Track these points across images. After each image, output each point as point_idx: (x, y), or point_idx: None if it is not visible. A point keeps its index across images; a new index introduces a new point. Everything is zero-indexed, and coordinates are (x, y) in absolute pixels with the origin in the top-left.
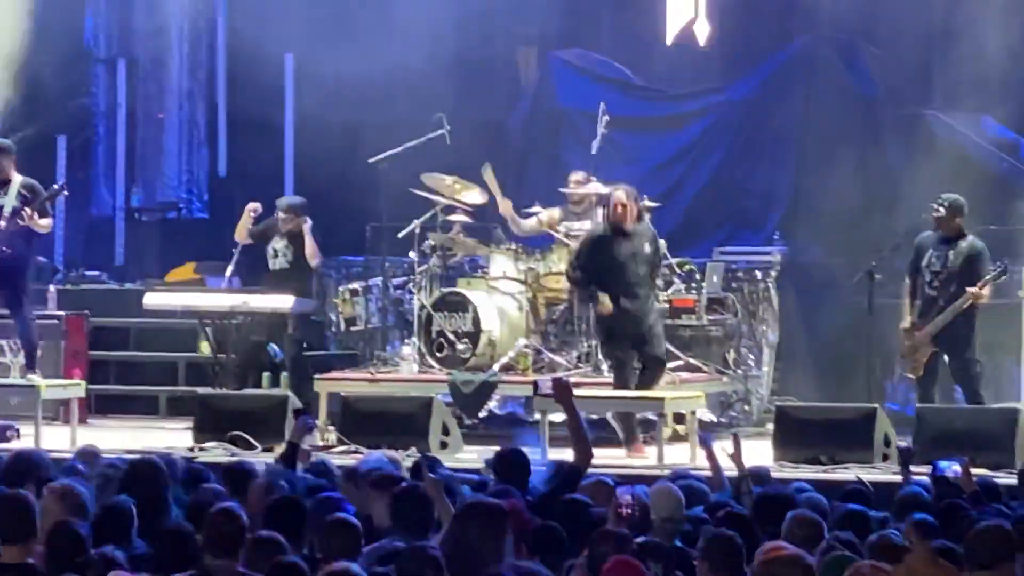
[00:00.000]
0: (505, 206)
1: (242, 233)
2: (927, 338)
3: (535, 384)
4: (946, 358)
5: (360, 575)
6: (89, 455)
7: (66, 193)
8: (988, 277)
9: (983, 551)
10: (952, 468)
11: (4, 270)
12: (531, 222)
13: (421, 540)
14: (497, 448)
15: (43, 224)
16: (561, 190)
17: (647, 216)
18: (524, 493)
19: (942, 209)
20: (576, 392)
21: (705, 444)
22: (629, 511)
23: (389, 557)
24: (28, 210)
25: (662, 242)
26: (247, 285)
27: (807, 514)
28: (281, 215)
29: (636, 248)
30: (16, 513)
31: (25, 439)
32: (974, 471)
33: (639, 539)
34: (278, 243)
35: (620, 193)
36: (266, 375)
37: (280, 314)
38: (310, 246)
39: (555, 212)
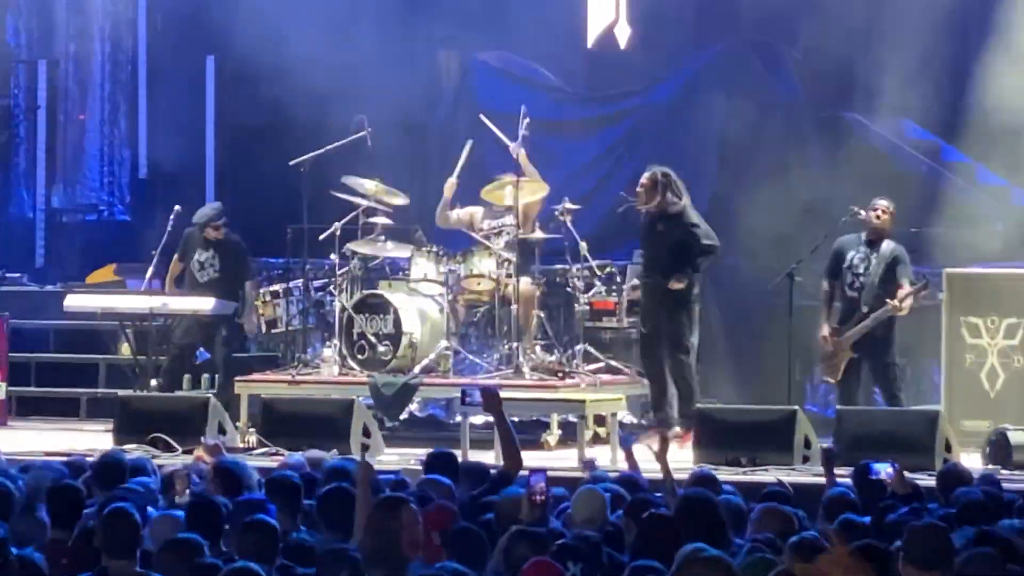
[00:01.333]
0: (449, 185)
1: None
2: (847, 344)
3: (463, 392)
4: (865, 362)
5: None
6: None
7: None
8: (910, 290)
9: (924, 551)
10: (886, 471)
11: None
12: (456, 214)
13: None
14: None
15: None
16: (483, 194)
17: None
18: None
19: (885, 215)
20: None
21: (625, 446)
22: (542, 497)
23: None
24: None
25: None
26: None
27: (778, 507)
28: (210, 230)
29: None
30: None
31: None
32: None
33: (560, 540)
34: (202, 255)
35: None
36: (187, 377)
37: (210, 317)
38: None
39: (476, 211)
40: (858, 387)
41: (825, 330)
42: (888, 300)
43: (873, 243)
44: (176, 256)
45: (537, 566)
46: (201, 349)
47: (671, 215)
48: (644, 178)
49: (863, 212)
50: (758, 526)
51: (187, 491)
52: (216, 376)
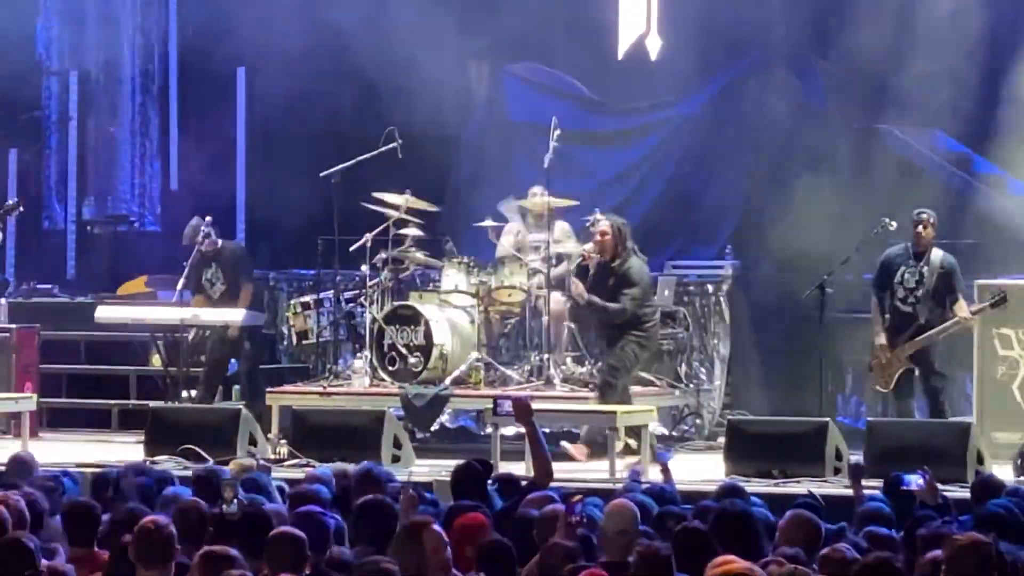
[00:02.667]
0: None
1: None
2: (904, 355)
3: (495, 403)
4: (917, 373)
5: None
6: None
7: (21, 210)
8: (983, 305)
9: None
10: (916, 482)
11: None
12: (509, 239)
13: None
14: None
15: None
16: (520, 203)
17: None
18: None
19: (930, 228)
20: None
21: (661, 460)
22: (579, 519)
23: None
24: None
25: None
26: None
27: (805, 514)
28: (202, 245)
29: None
30: None
31: None
32: None
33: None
34: (207, 272)
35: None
36: (235, 388)
37: (235, 328)
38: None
39: (520, 228)
40: (911, 398)
41: (882, 339)
42: (956, 313)
43: (920, 255)
44: (183, 283)
45: None
46: (233, 360)
47: (622, 273)
48: (605, 226)
49: (894, 224)
50: (785, 535)
51: (234, 500)
52: (244, 387)
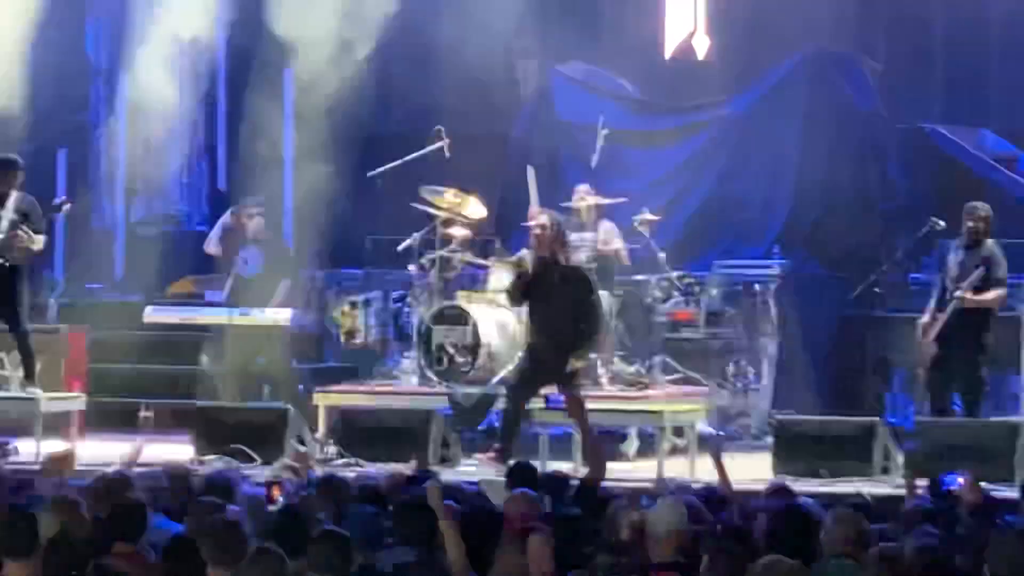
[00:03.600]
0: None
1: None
2: (931, 335)
3: (547, 399)
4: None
5: None
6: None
7: (68, 206)
8: (971, 278)
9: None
10: (958, 481)
11: (1, 283)
12: None
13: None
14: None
15: (38, 240)
16: (564, 204)
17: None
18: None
19: (979, 222)
20: None
21: (713, 448)
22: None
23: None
24: (24, 230)
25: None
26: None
27: (849, 512)
28: (246, 220)
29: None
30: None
31: (24, 453)
32: None
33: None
34: (245, 252)
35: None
36: (266, 388)
37: (277, 327)
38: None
39: None
40: (943, 382)
41: (924, 318)
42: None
43: (970, 247)
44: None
45: None
46: (260, 358)
47: (568, 268)
48: (544, 220)
49: (942, 223)
50: (830, 534)
51: (279, 499)
52: (274, 386)
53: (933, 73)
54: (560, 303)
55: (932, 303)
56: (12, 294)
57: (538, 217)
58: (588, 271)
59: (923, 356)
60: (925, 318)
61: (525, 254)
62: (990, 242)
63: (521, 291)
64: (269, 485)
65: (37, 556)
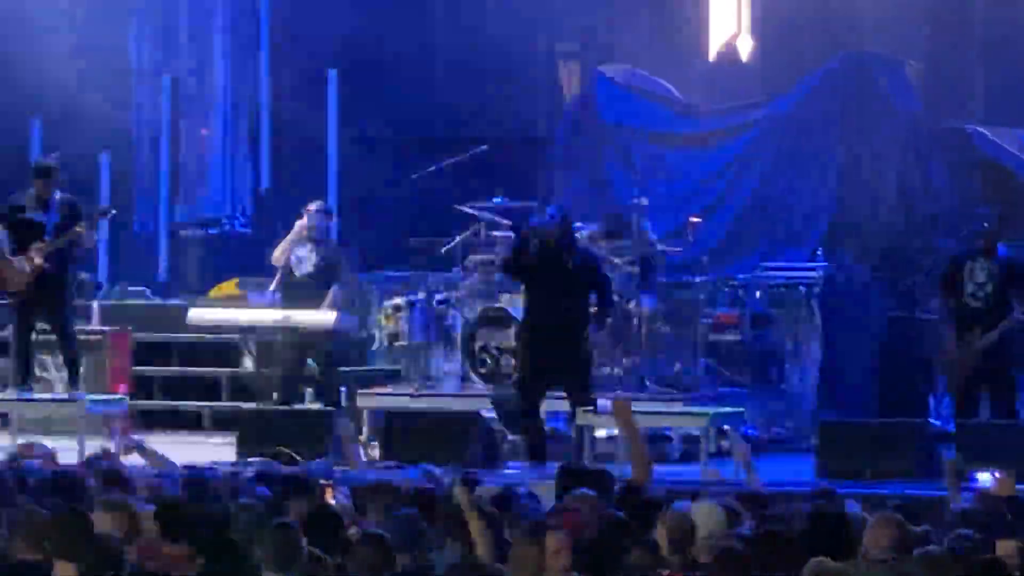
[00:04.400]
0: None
1: (281, 258)
2: (975, 352)
3: (595, 405)
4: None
5: None
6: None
7: (113, 212)
8: None
9: None
10: (987, 479)
11: (46, 286)
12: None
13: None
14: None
15: (90, 237)
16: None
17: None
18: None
19: (994, 224)
20: None
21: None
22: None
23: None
24: (82, 226)
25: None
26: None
27: (891, 515)
28: (309, 222)
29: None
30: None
31: (68, 455)
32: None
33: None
34: (301, 249)
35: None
36: (309, 390)
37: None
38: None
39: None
40: (980, 397)
41: (951, 340)
42: (1017, 310)
43: (988, 252)
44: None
45: None
46: (304, 360)
47: (577, 250)
48: (553, 209)
49: (985, 224)
50: (871, 537)
51: (333, 500)
52: (321, 388)
53: (975, 73)
54: (566, 285)
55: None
56: (58, 297)
57: (548, 208)
58: (597, 251)
59: (960, 376)
60: (952, 340)
61: (530, 231)
62: (1006, 248)
63: (521, 265)
64: (321, 487)
65: (87, 556)
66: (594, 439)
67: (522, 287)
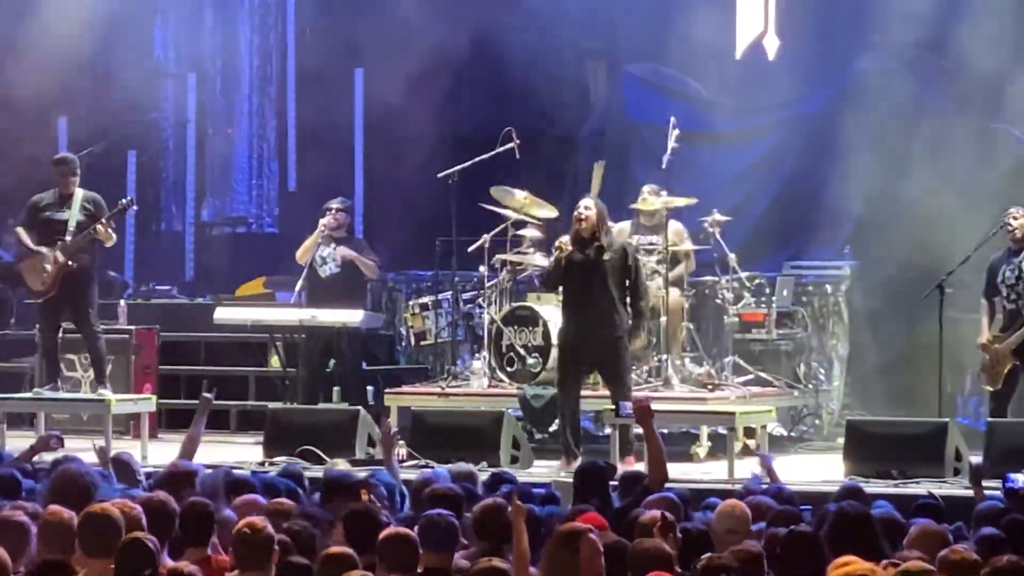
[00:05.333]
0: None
1: (306, 256)
2: (1007, 350)
3: (617, 406)
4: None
5: None
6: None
7: (135, 208)
8: None
9: None
10: (1022, 479)
11: (70, 284)
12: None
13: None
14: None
15: (111, 235)
16: (632, 206)
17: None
18: (606, 506)
19: (1021, 218)
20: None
21: (765, 463)
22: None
23: None
24: (102, 224)
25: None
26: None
27: (932, 525)
28: (330, 220)
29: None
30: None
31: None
32: None
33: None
34: (324, 250)
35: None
36: (336, 390)
37: (346, 328)
38: (365, 264)
39: (625, 226)
40: (1011, 395)
41: (984, 337)
42: None
43: (1017, 251)
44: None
45: None
46: (330, 360)
47: (614, 248)
48: (589, 203)
49: (1012, 222)
50: (913, 543)
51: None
52: (347, 387)
53: (1004, 72)
54: (603, 282)
55: (988, 322)
56: (82, 296)
57: (584, 200)
58: (636, 251)
59: (994, 374)
60: (985, 337)
61: (565, 240)
62: None
63: (559, 275)
64: (359, 487)
65: (114, 555)
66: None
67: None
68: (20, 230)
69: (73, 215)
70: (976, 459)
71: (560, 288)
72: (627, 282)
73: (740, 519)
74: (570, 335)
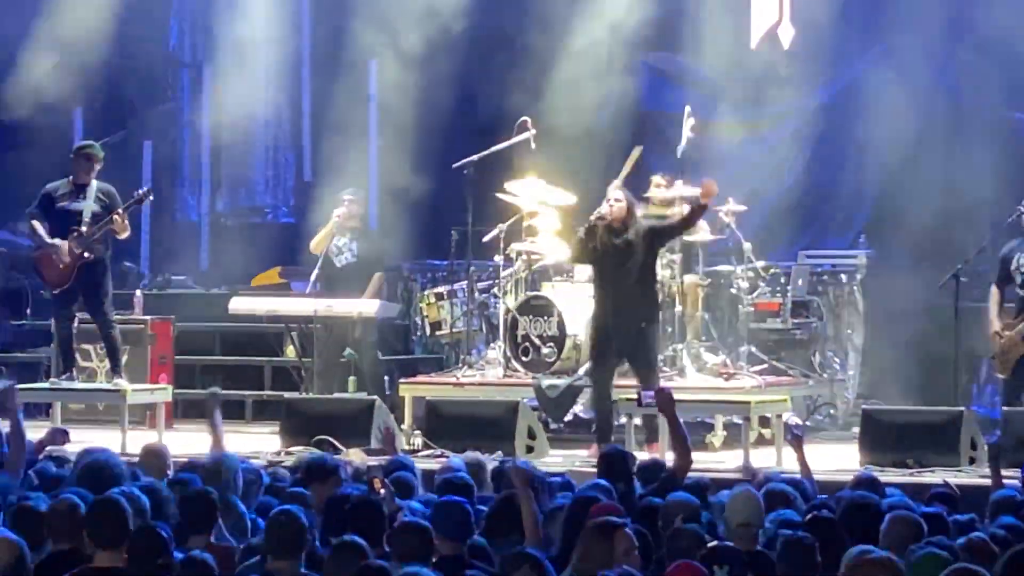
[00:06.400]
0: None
1: (321, 246)
2: (1018, 337)
3: (640, 395)
4: None
5: None
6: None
7: (150, 199)
8: None
9: None
10: None
11: (86, 275)
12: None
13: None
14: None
15: (126, 227)
16: (645, 195)
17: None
18: (630, 492)
19: None
20: None
21: (796, 439)
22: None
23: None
24: (120, 215)
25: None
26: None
27: (906, 515)
28: (343, 210)
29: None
30: (110, 518)
31: (112, 444)
32: None
33: (710, 543)
34: (339, 240)
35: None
36: (352, 379)
37: (362, 317)
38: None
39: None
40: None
41: (996, 326)
42: None
43: None
44: (321, 233)
45: (681, 568)
46: (346, 349)
47: (641, 232)
48: (620, 194)
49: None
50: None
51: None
52: (363, 377)
53: (1021, 62)
54: (631, 271)
55: (996, 310)
56: (97, 287)
57: (615, 192)
58: (650, 227)
59: (1006, 361)
60: (997, 325)
61: (604, 211)
62: None
63: (588, 252)
64: (371, 478)
65: (125, 545)
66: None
67: (592, 272)
68: (35, 222)
69: (88, 206)
70: (994, 439)
71: (590, 267)
72: (652, 260)
73: (753, 510)
74: (600, 321)
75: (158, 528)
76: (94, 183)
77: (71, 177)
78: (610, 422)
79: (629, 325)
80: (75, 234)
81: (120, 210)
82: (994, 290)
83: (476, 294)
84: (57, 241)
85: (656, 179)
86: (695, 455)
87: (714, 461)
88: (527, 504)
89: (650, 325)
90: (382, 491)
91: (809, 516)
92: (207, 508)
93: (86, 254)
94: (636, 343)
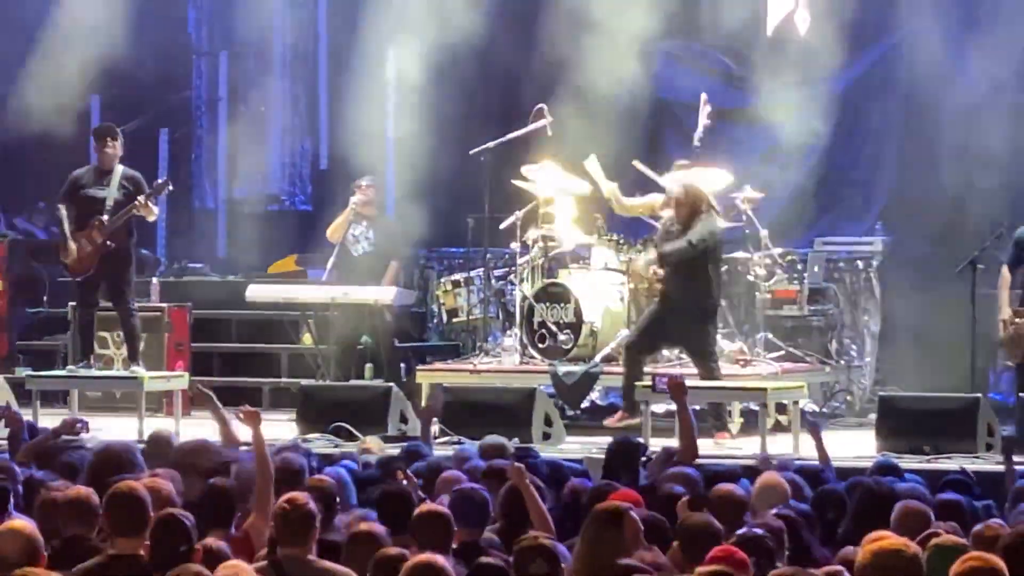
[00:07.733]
0: (609, 189)
1: (338, 234)
2: None
3: (653, 379)
4: None
5: (445, 567)
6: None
7: (170, 188)
8: None
9: None
10: None
11: (108, 263)
12: (635, 200)
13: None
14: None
15: (153, 210)
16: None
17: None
18: (635, 481)
19: None
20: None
21: (815, 429)
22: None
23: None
24: (141, 199)
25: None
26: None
27: (914, 504)
28: (360, 197)
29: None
30: (129, 506)
31: (128, 432)
32: None
33: (740, 531)
34: (356, 228)
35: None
36: (368, 366)
37: (379, 305)
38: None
39: (657, 199)
40: None
41: (1006, 312)
42: None
43: None
44: (338, 220)
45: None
46: (363, 337)
47: (698, 232)
48: (679, 193)
49: None
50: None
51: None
52: (380, 364)
53: None
54: (688, 267)
55: (1007, 294)
56: (120, 275)
57: (674, 191)
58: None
59: (1016, 347)
60: (1007, 312)
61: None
62: None
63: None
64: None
65: (148, 532)
66: (652, 414)
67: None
68: (63, 209)
69: (111, 193)
70: (1008, 431)
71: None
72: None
73: (781, 495)
74: (662, 302)
75: (181, 516)
76: (119, 168)
77: (95, 163)
78: (632, 394)
79: (682, 312)
80: (97, 222)
81: (141, 198)
82: (1005, 272)
83: (493, 281)
84: (73, 245)
85: (679, 163)
86: (710, 442)
87: (730, 449)
88: (531, 499)
89: (703, 313)
90: (405, 482)
91: (818, 491)
92: (228, 502)
93: (109, 243)
94: (690, 329)
